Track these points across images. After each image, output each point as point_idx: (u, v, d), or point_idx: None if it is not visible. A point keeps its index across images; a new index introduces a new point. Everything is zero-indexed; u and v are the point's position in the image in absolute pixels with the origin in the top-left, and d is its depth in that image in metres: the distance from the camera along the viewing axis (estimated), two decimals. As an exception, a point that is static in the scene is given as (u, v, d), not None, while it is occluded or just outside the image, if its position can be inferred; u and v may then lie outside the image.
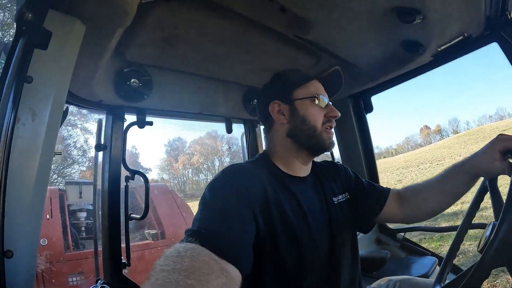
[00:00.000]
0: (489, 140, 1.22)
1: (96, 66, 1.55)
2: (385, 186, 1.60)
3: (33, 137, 1.06)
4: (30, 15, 1.04)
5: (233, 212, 1.02)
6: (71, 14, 1.16)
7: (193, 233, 0.92)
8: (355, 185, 1.52)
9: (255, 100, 2.47)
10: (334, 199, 1.39)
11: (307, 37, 1.81)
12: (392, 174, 22.84)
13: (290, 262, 1.15)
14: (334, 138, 1.38)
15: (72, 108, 1.86)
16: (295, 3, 1.51)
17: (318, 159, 1.48)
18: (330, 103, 1.38)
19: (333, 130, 1.37)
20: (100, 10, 1.20)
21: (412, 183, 1.57)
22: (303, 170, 1.38)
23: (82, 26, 1.20)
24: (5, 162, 0.97)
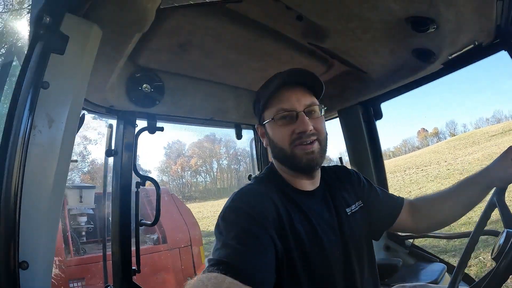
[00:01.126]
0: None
1: (110, 71, 1.54)
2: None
3: (49, 144, 1.03)
4: (47, 19, 1.02)
5: (251, 236, 1.02)
6: (88, 19, 1.14)
7: (215, 263, 0.92)
8: (369, 194, 1.48)
9: None
10: (347, 209, 1.35)
11: (322, 45, 1.80)
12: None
13: (306, 279, 1.13)
14: (317, 152, 1.23)
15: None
16: (313, 12, 1.50)
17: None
18: (320, 112, 1.29)
19: (310, 146, 1.22)
20: (118, 15, 1.18)
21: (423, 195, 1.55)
22: (309, 184, 1.33)
23: (99, 30, 1.18)
24: (21, 170, 0.94)
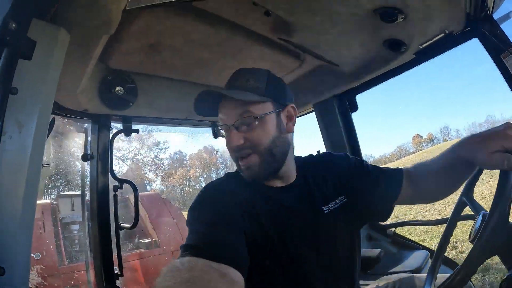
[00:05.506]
0: None
1: (81, 74, 1.53)
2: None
3: (20, 150, 1.03)
4: (13, 25, 1.02)
5: (220, 218, 1.04)
6: (55, 23, 1.13)
7: (187, 247, 0.93)
8: (362, 178, 1.36)
9: None
10: (325, 208, 1.27)
11: (292, 40, 1.81)
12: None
13: (277, 275, 1.13)
14: (255, 166, 1.16)
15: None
16: (279, 7, 1.51)
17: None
18: (250, 120, 1.15)
19: (245, 161, 1.17)
20: (84, 18, 1.18)
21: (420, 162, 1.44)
22: (280, 182, 1.28)
23: (67, 34, 1.18)
24: (-7, 177, 0.95)
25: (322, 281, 1.19)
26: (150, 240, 5.76)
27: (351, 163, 1.41)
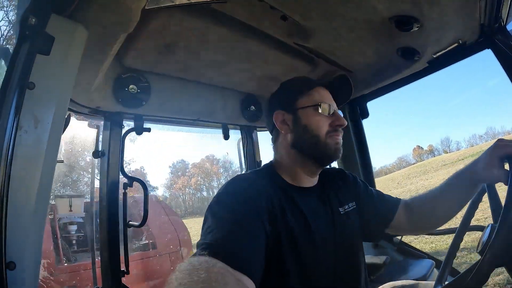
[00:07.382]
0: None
1: (96, 72, 1.54)
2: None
3: (35, 145, 1.03)
4: (33, 20, 1.03)
5: (243, 221, 1.02)
6: (74, 19, 1.14)
7: (206, 246, 0.91)
8: (364, 195, 1.48)
9: (252, 107, 2.51)
10: (341, 209, 1.35)
11: (307, 45, 1.82)
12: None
13: (294, 272, 1.13)
14: (341, 145, 1.30)
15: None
16: (297, 12, 1.52)
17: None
18: (340, 112, 1.35)
19: (340, 138, 1.30)
20: (104, 15, 1.19)
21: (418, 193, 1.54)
22: (309, 181, 1.34)
23: (85, 31, 1.19)
24: (7, 171, 0.95)
25: (336, 282, 1.22)
26: (147, 241, 5.76)
27: (358, 181, 1.54)
